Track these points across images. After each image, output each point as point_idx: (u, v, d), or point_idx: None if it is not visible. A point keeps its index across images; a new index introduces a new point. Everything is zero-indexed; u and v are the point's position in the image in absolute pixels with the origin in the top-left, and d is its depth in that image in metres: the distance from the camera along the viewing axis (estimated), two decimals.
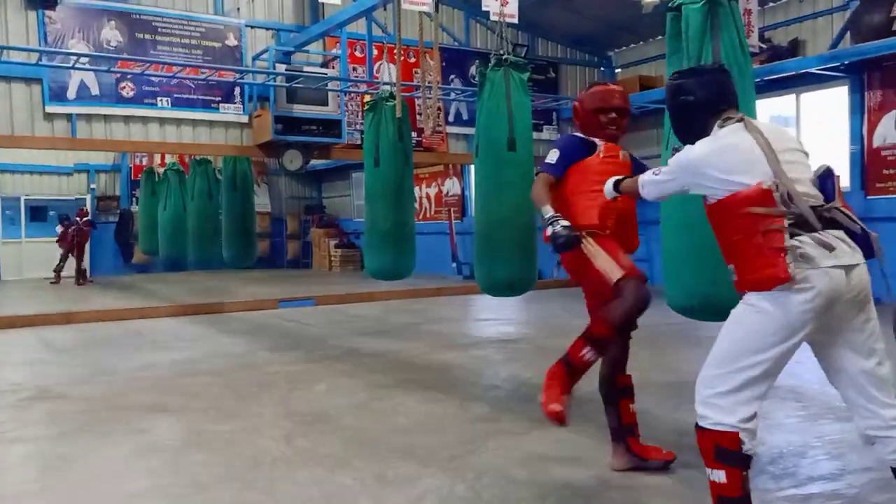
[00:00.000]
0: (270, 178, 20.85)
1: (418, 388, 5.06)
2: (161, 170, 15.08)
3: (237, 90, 10.74)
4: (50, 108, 9.53)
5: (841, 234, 2.33)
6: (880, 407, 2.32)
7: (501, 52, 6.07)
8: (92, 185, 18.86)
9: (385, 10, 8.20)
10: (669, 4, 4.19)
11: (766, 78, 9.87)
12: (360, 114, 11.33)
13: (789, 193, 2.28)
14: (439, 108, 11.02)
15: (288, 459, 3.64)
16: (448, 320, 8.39)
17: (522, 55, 10.96)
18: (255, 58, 10.91)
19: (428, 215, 16.74)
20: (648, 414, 4.38)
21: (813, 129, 10.67)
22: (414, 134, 9.89)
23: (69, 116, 9.71)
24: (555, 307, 10.28)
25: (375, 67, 11.15)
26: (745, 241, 2.32)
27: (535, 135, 11.41)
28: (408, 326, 8.23)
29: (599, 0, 11.52)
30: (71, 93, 9.63)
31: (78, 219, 15.43)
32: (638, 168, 3.41)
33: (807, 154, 2.53)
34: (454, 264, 15.21)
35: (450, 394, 5.03)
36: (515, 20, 6.53)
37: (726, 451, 2.31)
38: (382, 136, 7.08)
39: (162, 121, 10.33)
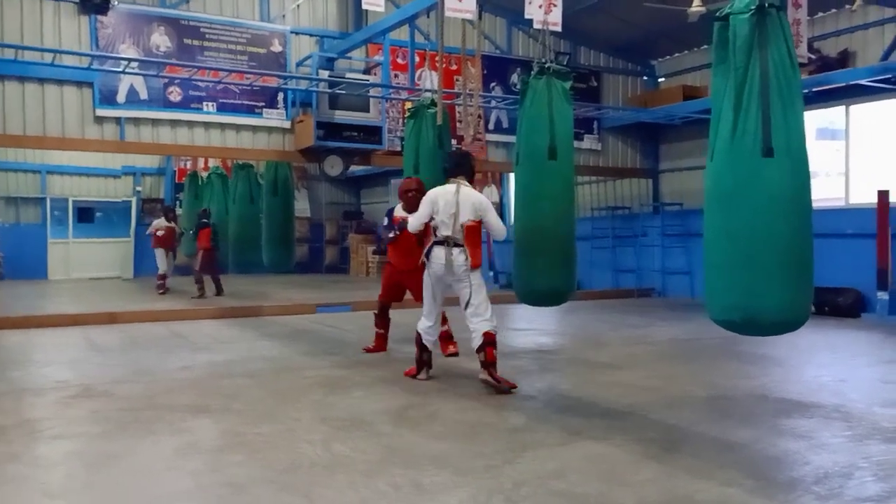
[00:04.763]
0: (311, 183, 21.08)
1: (454, 396, 5.05)
2: (204, 174, 15.35)
3: (280, 96, 10.88)
4: (100, 112, 9.77)
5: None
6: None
7: (544, 60, 6.05)
8: (138, 188, 19.26)
9: (428, 17, 8.24)
10: (717, 14, 4.14)
11: (814, 89, 9.68)
12: (400, 120, 11.40)
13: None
14: (480, 116, 11.02)
15: (325, 463, 3.66)
16: None
17: (564, 63, 10.93)
18: (298, 64, 11.06)
19: None
20: (689, 430, 4.32)
21: (863, 142, 10.44)
22: (454, 141, 9.91)
23: (118, 120, 9.94)
24: (592, 318, 10.19)
25: (417, 74, 11.21)
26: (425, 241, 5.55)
27: (576, 143, 11.38)
28: None
29: (643, 8, 11.42)
30: (120, 97, 9.86)
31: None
32: None
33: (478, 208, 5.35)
34: (491, 273, 15.18)
35: (485, 403, 5.02)
36: (559, 28, 6.50)
37: (417, 341, 5.68)
38: (423, 143, 7.11)
39: (207, 125, 10.51)
